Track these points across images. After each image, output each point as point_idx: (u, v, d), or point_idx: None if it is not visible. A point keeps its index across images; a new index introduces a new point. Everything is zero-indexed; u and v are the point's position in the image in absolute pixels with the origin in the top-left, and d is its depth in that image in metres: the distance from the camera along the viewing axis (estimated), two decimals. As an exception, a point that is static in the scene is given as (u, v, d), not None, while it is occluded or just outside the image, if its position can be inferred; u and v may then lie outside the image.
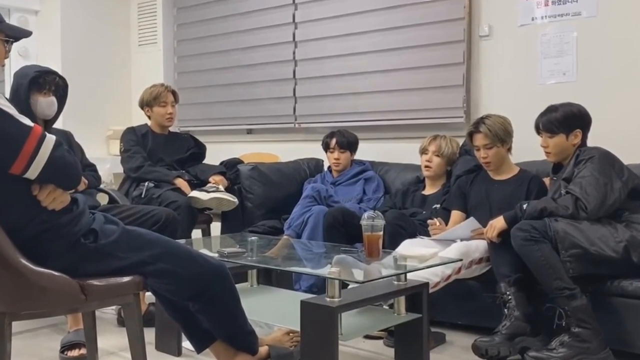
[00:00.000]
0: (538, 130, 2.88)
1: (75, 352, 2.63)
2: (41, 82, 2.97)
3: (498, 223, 2.76)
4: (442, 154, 3.46)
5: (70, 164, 1.82)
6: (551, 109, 2.86)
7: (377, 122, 4.23)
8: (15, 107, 3.04)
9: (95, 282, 1.83)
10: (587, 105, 2.87)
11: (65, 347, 2.66)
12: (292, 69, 4.61)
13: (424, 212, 3.35)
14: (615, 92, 3.38)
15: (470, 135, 3.15)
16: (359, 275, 2.28)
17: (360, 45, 4.26)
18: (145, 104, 3.88)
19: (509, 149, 3.16)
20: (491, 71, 3.80)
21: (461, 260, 2.73)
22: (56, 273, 1.75)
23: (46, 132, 1.78)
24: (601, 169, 2.66)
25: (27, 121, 1.77)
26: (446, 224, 3.16)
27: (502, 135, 3.08)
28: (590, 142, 2.85)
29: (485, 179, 3.20)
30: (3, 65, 1.94)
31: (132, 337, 1.98)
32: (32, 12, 5.06)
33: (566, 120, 2.81)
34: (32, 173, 1.74)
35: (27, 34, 2.01)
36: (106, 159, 4.78)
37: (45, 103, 2.98)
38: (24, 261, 1.70)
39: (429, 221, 3.13)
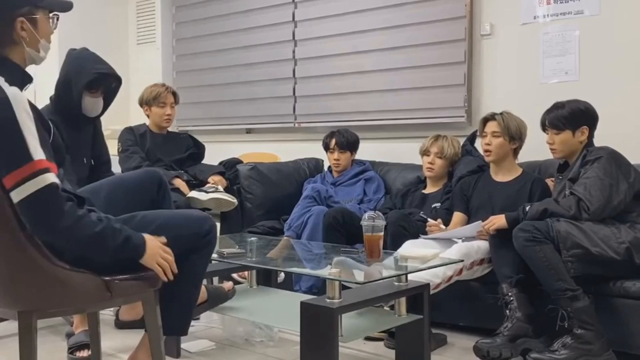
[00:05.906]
0: (544, 126, 2.89)
1: (84, 353, 2.64)
2: (95, 84, 3.02)
3: (499, 220, 2.78)
4: (444, 155, 3.46)
5: (53, 214, 1.67)
6: (558, 106, 2.87)
7: (377, 122, 4.24)
8: (62, 100, 3.08)
9: (118, 279, 1.83)
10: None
11: (74, 348, 2.68)
12: (291, 67, 4.62)
13: (422, 212, 3.31)
14: (618, 92, 3.38)
15: (485, 122, 3.17)
16: (359, 276, 2.29)
17: (360, 44, 4.27)
18: (145, 102, 3.90)
19: (515, 151, 3.16)
20: (493, 70, 3.80)
21: (462, 261, 2.73)
22: (86, 272, 1.76)
23: (49, 173, 1.64)
24: (607, 169, 2.66)
25: (35, 150, 1.63)
26: (446, 225, 3.16)
27: (513, 131, 3.09)
28: (594, 143, 2.85)
29: (488, 180, 3.21)
30: (49, 42, 1.87)
31: (153, 334, 1.97)
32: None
33: (573, 116, 2.82)
34: (15, 197, 1.63)
35: (69, 6, 1.94)
36: (104, 158, 4.75)
37: (90, 103, 3.06)
38: (58, 262, 1.71)
39: (428, 223, 3.13)
